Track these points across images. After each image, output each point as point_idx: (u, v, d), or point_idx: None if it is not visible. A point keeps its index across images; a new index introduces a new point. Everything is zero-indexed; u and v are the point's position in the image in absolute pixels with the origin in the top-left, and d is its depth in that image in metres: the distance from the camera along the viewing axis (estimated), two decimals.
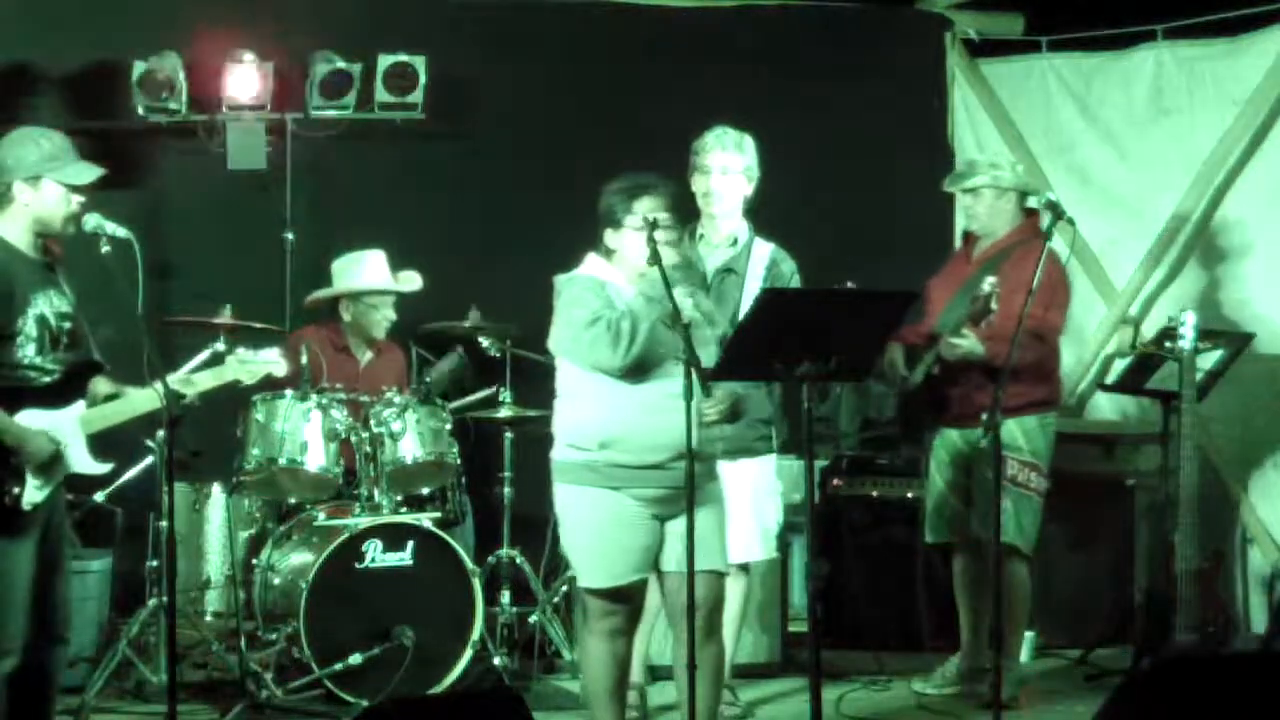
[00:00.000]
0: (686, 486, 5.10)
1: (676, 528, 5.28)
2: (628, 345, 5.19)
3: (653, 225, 5.21)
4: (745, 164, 6.31)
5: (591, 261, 5.41)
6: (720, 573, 5.40)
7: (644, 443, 5.25)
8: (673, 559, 5.32)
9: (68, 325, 5.29)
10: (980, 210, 6.70)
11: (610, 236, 5.36)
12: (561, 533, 5.48)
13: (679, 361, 5.14)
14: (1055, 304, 6.56)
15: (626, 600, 5.35)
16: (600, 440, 5.28)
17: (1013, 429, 6.49)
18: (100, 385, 5.38)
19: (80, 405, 5.29)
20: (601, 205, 5.38)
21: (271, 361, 5.72)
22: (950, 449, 6.71)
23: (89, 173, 5.31)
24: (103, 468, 5.36)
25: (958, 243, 8.79)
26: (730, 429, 6.02)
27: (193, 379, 5.55)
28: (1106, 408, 8.28)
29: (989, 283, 6.32)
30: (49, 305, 5.24)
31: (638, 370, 5.25)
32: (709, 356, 5.23)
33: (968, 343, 6.33)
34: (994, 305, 6.16)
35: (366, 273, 7.31)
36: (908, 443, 7.15)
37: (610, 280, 5.34)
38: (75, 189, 5.28)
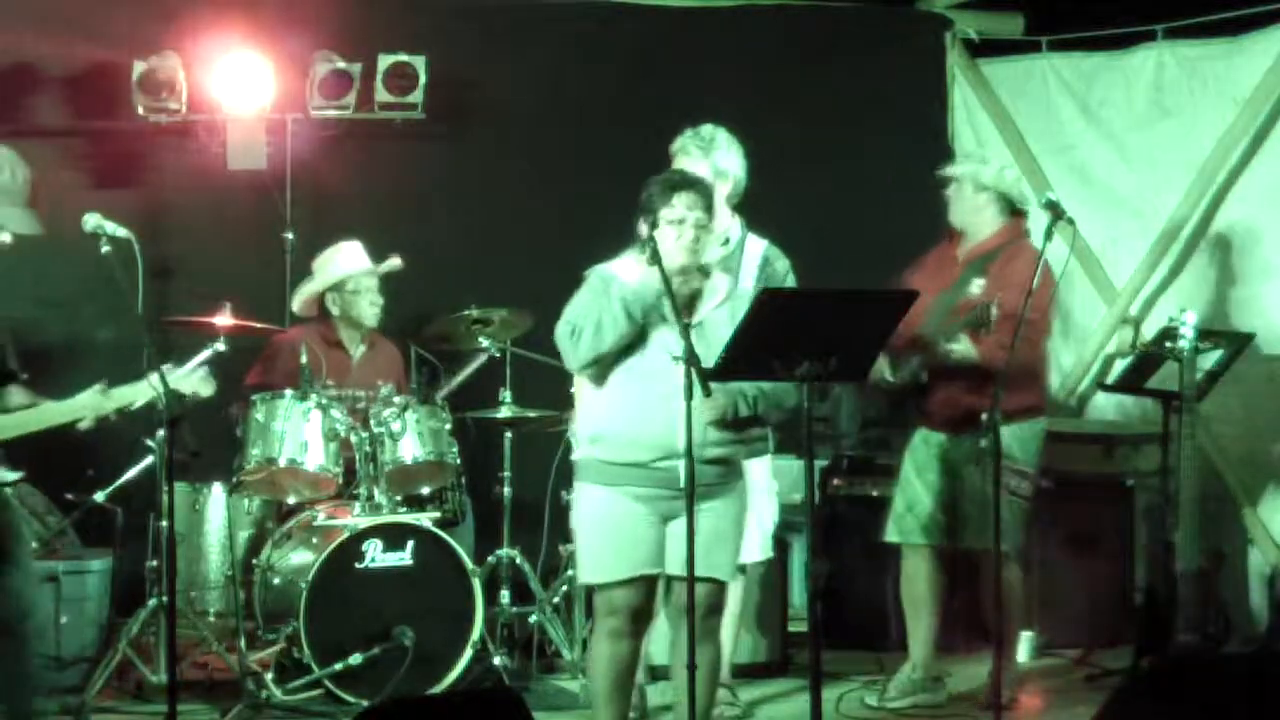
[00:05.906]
0: (687, 486, 5.07)
1: (677, 529, 5.25)
2: (582, 345, 5.21)
3: (653, 225, 5.23)
4: (713, 166, 6.24)
5: (623, 257, 5.38)
6: (718, 581, 5.35)
7: (628, 440, 5.25)
8: (671, 561, 5.30)
9: None
10: (958, 203, 6.62)
11: (646, 229, 5.32)
12: (573, 529, 5.53)
13: (675, 360, 5.16)
14: (1045, 308, 6.54)
15: (624, 599, 5.31)
16: (590, 436, 5.34)
17: (1005, 437, 6.46)
18: (15, 396, 5.29)
19: None
20: (641, 197, 5.35)
21: (202, 380, 5.66)
22: (935, 453, 6.56)
23: (31, 225, 5.23)
24: (13, 476, 5.30)
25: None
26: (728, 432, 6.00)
27: (112, 392, 5.39)
28: (1106, 408, 8.28)
29: (977, 284, 6.29)
30: None
31: (611, 368, 5.25)
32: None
33: (961, 347, 6.28)
34: (994, 313, 6.10)
35: (343, 260, 7.32)
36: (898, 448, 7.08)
37: (620, 274, 5.31)
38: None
